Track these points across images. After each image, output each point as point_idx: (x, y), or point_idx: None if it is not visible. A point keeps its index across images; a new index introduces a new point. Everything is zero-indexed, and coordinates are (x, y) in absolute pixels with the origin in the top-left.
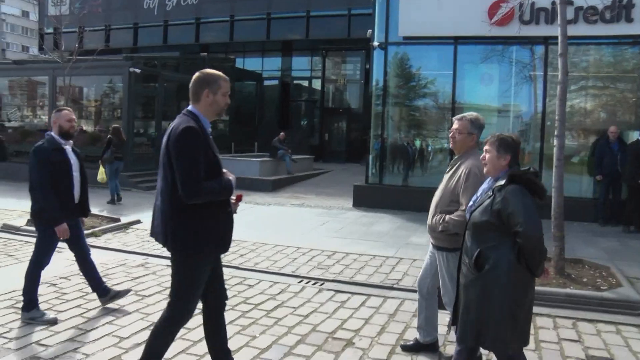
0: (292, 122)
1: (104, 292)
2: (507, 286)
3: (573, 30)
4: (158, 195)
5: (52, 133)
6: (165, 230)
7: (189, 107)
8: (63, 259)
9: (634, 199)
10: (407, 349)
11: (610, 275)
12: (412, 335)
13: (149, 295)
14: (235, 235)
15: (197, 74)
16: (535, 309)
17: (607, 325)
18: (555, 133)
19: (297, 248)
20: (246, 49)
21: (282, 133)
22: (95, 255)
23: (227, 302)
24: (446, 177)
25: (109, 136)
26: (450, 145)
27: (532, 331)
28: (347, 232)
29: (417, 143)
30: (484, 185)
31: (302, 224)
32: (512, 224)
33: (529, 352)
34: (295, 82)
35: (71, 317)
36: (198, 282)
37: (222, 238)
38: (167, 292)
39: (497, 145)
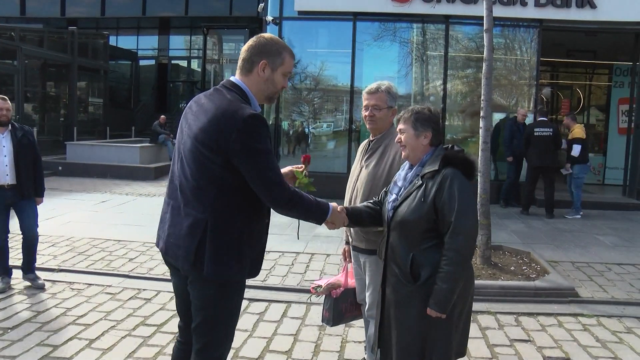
0: (172, 105)
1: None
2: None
3: (476, 10)
4: (182, 198)
5: None
6: (196, 250)
7: (234, 79)
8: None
9: (531, 181)
10: None
11: (533, 261)
12: (352, 351)
13: (13, 328)
14: (121, 234)
15: (253, 38)
16: (474, 306)
17: (548, 318)
18: (482, 114)
19: None
20: (120, 26)
21: (162, 116)
22: None
23: (118, 326)
24: (368, 164)
25: None
26: (368, 126)
27: (480, 334)
28: None
29: (314, 126)
30: (402, 172)
31: None
32: (445, 214)
33: None
34: (173, 62)
35: None
36: (237, 316)
37: (258, 259)
38: (41, 319)
39: (412, 121)
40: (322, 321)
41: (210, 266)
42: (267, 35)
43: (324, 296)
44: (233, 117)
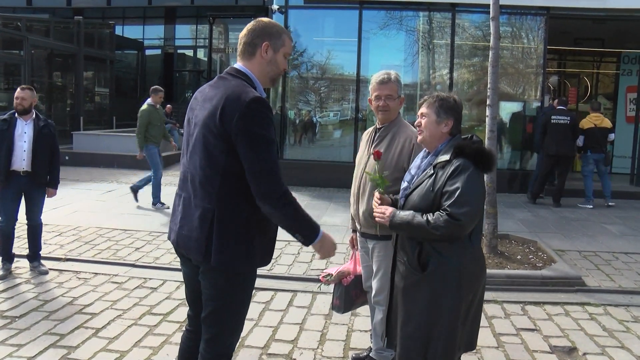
0: (178, 94)
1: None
2: (459, 286)
3: None
4: (192, 189)
5: None
6: (207, 241)
7: (237, 66)
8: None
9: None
10: None
11: (539, 250)
12: (358, 340)
13: (21, 316)
14: (126, 224)
15: (252, 23)
16: None
17: (554, 307)
18: (488, 102)
19: None
20: (126, 15)
21: (168, 106)
22: None
23: (124, 315)
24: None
25: None
26: (380, 116)
27: (486, 323)
28: None
29: (320, 115)
30: (418, 161)
31: None
32: (443, 202)
33: (492, 349)
34: (179, 51)
35: None
36: (247, 306)
37: (269, 248)
38: (48, 307)
39: (436, 107)
40: (333, 309)
41: (220, 256)
42: (265, 19)
43: (333, 284)
44: (237, 100)
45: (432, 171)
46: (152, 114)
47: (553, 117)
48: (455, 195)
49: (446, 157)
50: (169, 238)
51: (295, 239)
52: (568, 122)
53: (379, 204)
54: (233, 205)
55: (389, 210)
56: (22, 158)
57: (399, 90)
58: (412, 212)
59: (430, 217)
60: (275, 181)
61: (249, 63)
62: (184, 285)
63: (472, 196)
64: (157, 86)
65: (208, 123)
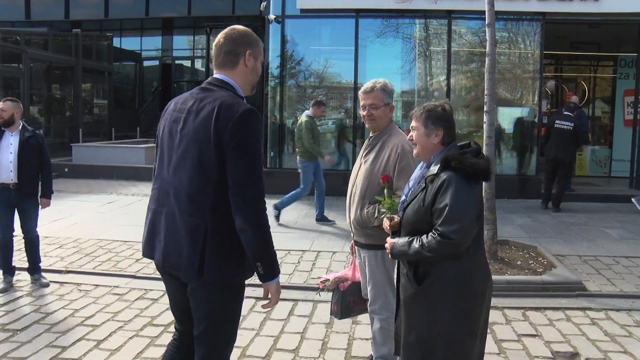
0: None
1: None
2: (457, 299)
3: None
4: (176, 204)
5: None
6: (200, 256)
7: (219, 76)
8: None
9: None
10: None
11: (539, 255)
12: (359, 349)
13: (22, 329)
14: (126, 235)
15: (229, 31)
16: None
17: (556, 312)
18: (485, 109)
19: None
20: (123, 27)
21: None
22: None
23: (125, 327)
24: (366, 160)
25: None
26: (368, 125)
27: (487, 329)
28: None
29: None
30: (416, 173)
31: None
32: (435, 220)
33: (493, 356)
34: (177, 62)
35: None
36: (239, 316)
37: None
38: (49, 320)
39: (424, 119)
40: (331, 314)
41: (215, 271)
42: (239, 26)
43: (332, 291)
44: (231, 109)
45: (424, 184)
46: (313, 126)
47: (557, 121)
48: (445, 214)
49: (435, 169)
50: (148, 256)
51: (258, 269)
52: (571, 128)
53: (390, 232)
54: (226, 218)
55: (388, 242)
56: (9, 169)
57: (385, 98)
58: (406, 239)
59: (424, 239)
60: (259, 194)
61: (231, 73)
62: None
63: (462, 211)
64: (321, 99)
65: (201, 133)
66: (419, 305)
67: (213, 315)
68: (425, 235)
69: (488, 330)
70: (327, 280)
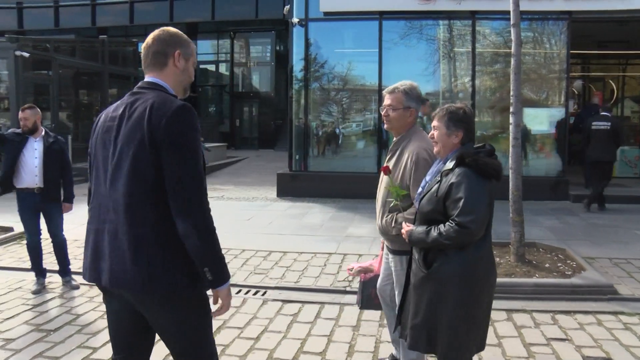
0: (201, 109)
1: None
2: (461, 284)
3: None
4: (116, 218)
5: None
6: (148, 268)
7: (149, 78)
8: None
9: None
10: None
11: (568, 257)
12: (386, 351)
13: (55, 330)
14: None
15: (158, 32)
16: (508, 304)
17: (586, 316)
18: (511, 110)
19: (226, 250)
20: (148, 33)
21: None
22: None
23: None
24: (389, 165)
25: None
26: (385, 126)
27: (515, 333)
28: (278, 226)
29: (343, 126)
30: (434, 168)
31: (226, 220)
32: (451, 212)
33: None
34: (202, 66)
35: None
36: (211, 326)
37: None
38: (80, 321)
39: (446, 120)
40: (356, 303)
41: (162, 284)
42: (169, 28)
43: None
44: (163, 106)
45: (440, 178)
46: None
47: (594, 123)
48: (461, 205)
49: (450, 165)
50: (94, 281)
51: (204, 276)
52: (608, 127)
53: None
54: (170, 224)
55: (406, 229)
56: (34, 174)
57: (406, 101)
58: (424, 228)
59: (442, 228)
60: (200, 193)
61: (161, 74)
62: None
63: (476, 203)
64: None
65: (133, 135)
66: (426, 288)
67: (183, 335)
68: (442, 225)
69: (516, 334)
70: (353, 268)
